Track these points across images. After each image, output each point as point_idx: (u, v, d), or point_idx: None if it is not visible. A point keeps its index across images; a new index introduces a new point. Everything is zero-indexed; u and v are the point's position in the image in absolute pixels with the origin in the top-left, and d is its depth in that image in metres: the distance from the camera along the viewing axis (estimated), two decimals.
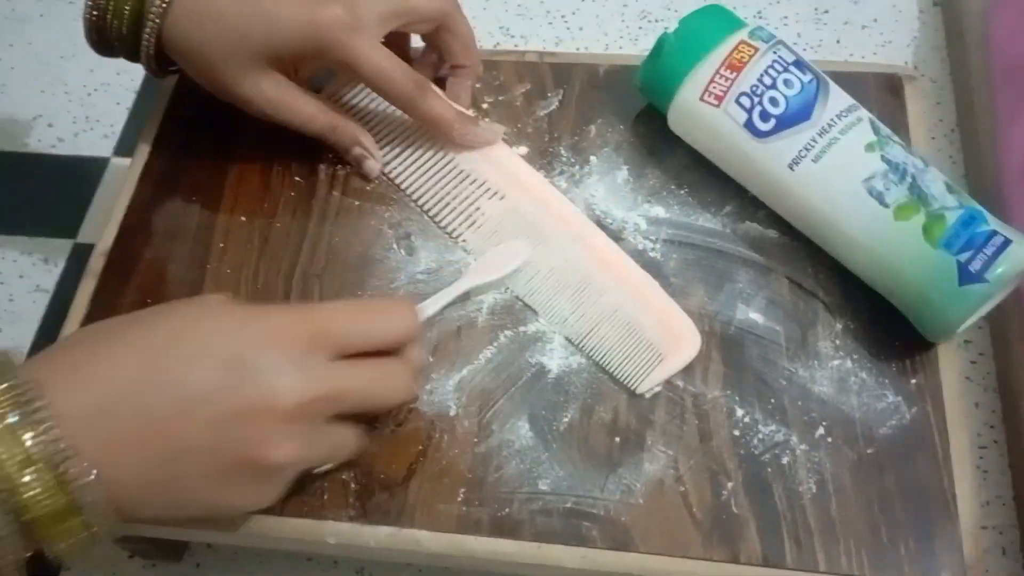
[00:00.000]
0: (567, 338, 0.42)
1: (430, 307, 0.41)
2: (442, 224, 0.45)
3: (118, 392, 0.30)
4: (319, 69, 0.48)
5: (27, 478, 0.28)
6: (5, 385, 0.29)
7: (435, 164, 0.47)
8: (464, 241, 0.45)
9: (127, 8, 0.42)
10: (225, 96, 0.44)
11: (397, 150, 0.47)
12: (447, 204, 0.46)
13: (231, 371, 0.31)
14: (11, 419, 0.28)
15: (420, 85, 0.43)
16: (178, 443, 0.31)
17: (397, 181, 0.47)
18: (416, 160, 0.47)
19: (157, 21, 0.42)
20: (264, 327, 0.32)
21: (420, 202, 0.46)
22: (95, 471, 0.29)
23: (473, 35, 0.47)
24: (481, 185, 0.46)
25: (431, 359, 0.41)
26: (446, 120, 0.45)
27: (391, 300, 0.38)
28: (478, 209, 0.45)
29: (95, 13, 0.43)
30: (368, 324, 0.35)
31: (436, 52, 0.49)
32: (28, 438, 0.28)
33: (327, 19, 0.41)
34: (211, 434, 0.31)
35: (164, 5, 0.41)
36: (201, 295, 0.34)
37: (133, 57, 0.45)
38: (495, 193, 0.45)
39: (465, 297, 0.43)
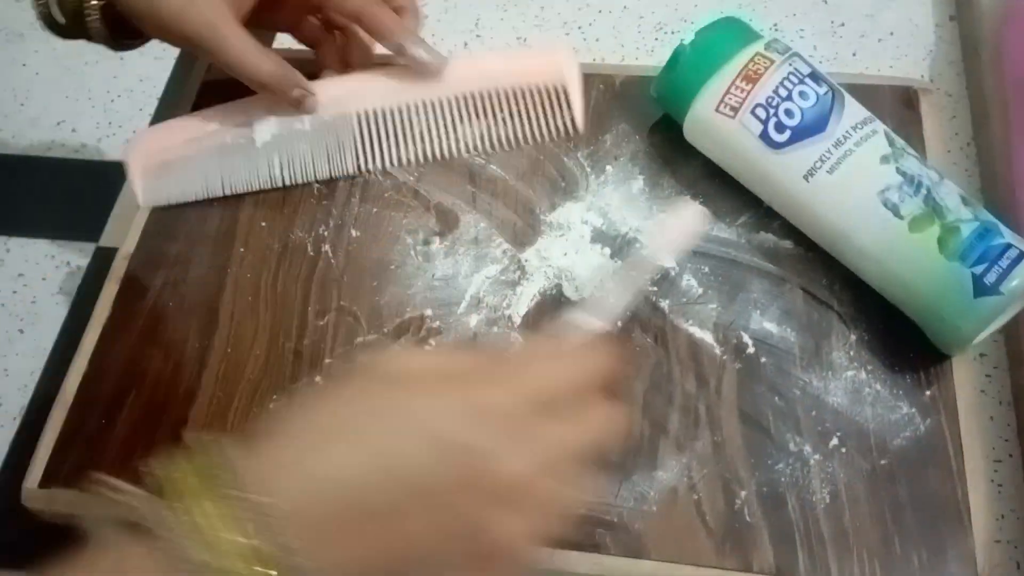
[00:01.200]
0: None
1: (616, 307, 0.35)
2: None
3: (339, 488, 0.27)
4: None
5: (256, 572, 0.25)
6: (227, 479, 0.26)
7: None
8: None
9: None
10: (169, 32, 0.43)
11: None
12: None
13: (445, 451, 0.27)
14: (237, 515, 0.26)
15: None
16: (405, 534, 0.27)
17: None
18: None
19: None
20: (464, 398, 0.28)
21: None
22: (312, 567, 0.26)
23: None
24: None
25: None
26: (399, 26, 0.45)
27: (578, 347, 0.32)
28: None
29: None
30: (565, 376, 0.30)
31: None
32: (255, 536, 0.25)
33: None
34: (434, 517, 0.27)
35: None
36: (389, 356, 0.30)
37: (76, 21, 0.44)
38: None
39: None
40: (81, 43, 0.50)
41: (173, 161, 0.48)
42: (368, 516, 0.27)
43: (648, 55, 0.78)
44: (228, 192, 0.48)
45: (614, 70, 0.52)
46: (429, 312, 0.44)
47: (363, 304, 0.44)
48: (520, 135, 0.48)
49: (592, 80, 0.51)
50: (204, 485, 0.26)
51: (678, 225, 0.37)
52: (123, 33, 0.45)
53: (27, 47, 0.81)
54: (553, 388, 0.30)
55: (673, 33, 0.80)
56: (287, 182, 0.48)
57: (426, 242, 0.46)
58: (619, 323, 0.40)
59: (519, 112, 0.48)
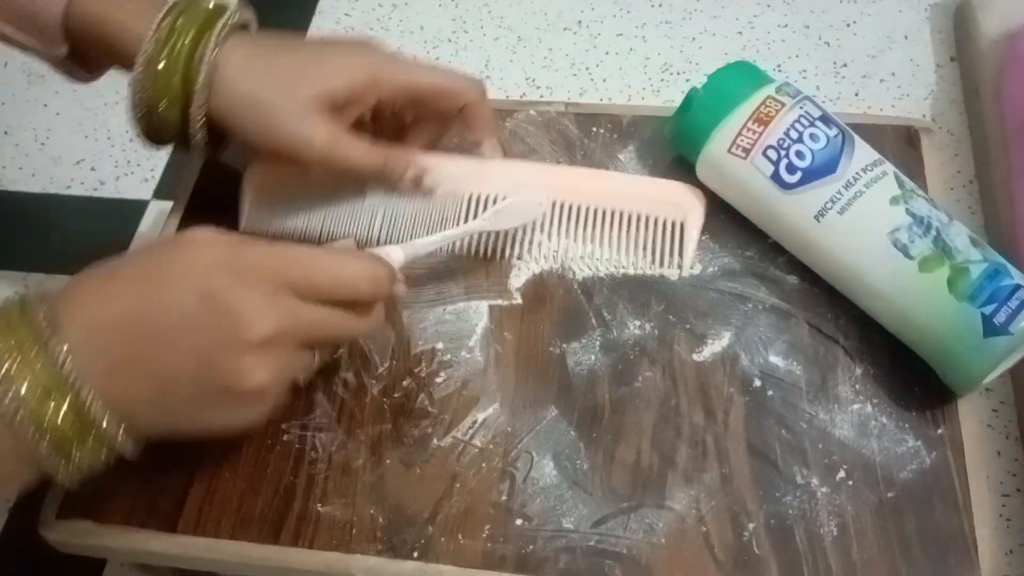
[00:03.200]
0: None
1: (424, 245, 0.42)
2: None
3: (115, 323, 0.33)
4: None
5: (47, 403, 0.32)
6: (27, 321, 0.32)
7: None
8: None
9: (176, 83, 0.43)
10: (280, 145, 0.44)
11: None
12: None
13: (207, 306, 0.33)
14: (31, 352, 0.32)
15: (482, 86, 0.46)
16: (165, 371, 0.34)
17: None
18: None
19: (206, 80, 0.43)
20: (240, 265, 0.34)
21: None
22: (98, 393, 0.32)
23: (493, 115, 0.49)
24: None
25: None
26: (492, 124, 0.48)
27: (367, 259, 0.38)
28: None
29: (140, 95, 0.44)
30: (338, 275, 0.37)
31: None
32: (45, 368, 0.32)
33: (375, 54, 0.45)
34: (192, 364, 0.33)
35: (210, 66, 0.42)
36: (189, 230, 0.36)
37: (182, 139, 0.46)
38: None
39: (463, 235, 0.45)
40: (99, 85, 0.51)
41: (284, 194, 0.49)
42: (138, 351, 0.33)
43: (654, 95, 0.80)
44: (325, 237, 0.49)
45: (621, 110, 0.53)
46: (440, 345, 0.44)
47: (374, 337, 0.45)
48: (624, 258, 0.46)
49: (599, 119, 0.52)
50: (27, 337, 0.32)
51: (519, 206, 0.45)
52: (221, 144, 0.48)
53: (48, 88, 0.83)
54: (318, 283, 0.36)
55: (679, 74, 0.81)
56: (382, 241, 0.48)
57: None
58: (408, 260, 0.42)
59: (630, 237, 0.46)
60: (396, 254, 0.41)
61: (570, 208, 0.47)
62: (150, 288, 0.34)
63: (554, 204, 0.47)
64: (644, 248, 0.46)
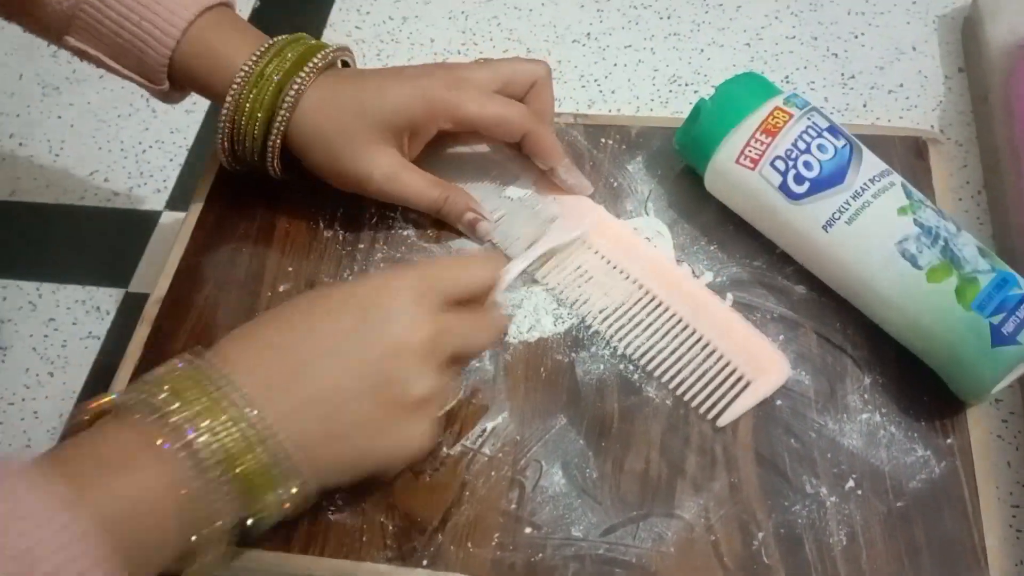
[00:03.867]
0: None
1: (516, 266, 0.45)
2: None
3: (282, 366, 0.35)
4: None
5: (229, 443, 0.33)
6: (202, 374, 0.34)
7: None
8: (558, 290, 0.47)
9: (259, 113, 0.46)
10: (344, 178, 0.47)
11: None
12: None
13: (365, 325, 0.36)
14: (212, 399, 0.33)
15: (537, 116, 0.47)
16: (338, 396, 0.35)
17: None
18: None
19: (287, 115, 0.46)
20: (378, 285, 0.37)
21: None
22: (278, 432, 0.33)
23: (553, 103, 0.50)
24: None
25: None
26: (558, 150, 0.48)
27: (477, 253, 0.44)
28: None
29: (227, 125, 0.47)
30: (459, 274, 0.39)
31: None
32: (228, 412, 0.33)
33: (435, 82, 0.46)
34: (362, 382, 0.35)
35: (293, 100, 0.45)
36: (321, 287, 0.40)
37: (259, 160, 0.48)
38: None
39: (547, 257, 0.47)
40: (113, 96, 0.52)
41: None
42: (306, 382, 0.35)
43: (663, 107, 0.80)
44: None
45: (630, 121, 0.53)
46: None
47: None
48: (673, 372, 0.43)
49: (608, 131, 0.53)
50: (202, 391, 0.33)
51: (573, 210, 0.47)
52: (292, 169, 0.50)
53: (62, 100, 0.84)
54: (449, 282, 0.38)
55: (687, 86, 0.82)
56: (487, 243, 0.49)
57: None
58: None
59: (697, 368, 0.43)
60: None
61: (653, 300, 0.45)
62: (306, 326, 0.36)
63: (643, 289, 0.45)
64: (696, 376, 0.43)
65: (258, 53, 0.46)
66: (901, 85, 0.78)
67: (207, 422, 0.32)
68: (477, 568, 0.38)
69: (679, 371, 0.43)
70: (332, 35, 0.88)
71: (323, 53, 0.47)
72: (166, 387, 0.33)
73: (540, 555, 0.38)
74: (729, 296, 0.45)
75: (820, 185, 0.43)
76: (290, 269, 0.49)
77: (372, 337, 0.36)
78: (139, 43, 0.46)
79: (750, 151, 0.44)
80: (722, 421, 0.41)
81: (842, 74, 0.80)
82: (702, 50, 0.84)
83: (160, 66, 0.47)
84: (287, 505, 0.35)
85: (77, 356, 0.68)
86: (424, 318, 0.36)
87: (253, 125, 0.46)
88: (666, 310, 0.45)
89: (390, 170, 0.46)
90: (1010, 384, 0.41)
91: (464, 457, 0.41)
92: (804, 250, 0.45)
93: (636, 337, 0.44)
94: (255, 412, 0.33)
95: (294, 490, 0.34)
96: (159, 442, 0.32)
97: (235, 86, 0.46)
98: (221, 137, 0.48)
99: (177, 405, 0.33)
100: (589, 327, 0.45)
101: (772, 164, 0.44)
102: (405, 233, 0.50)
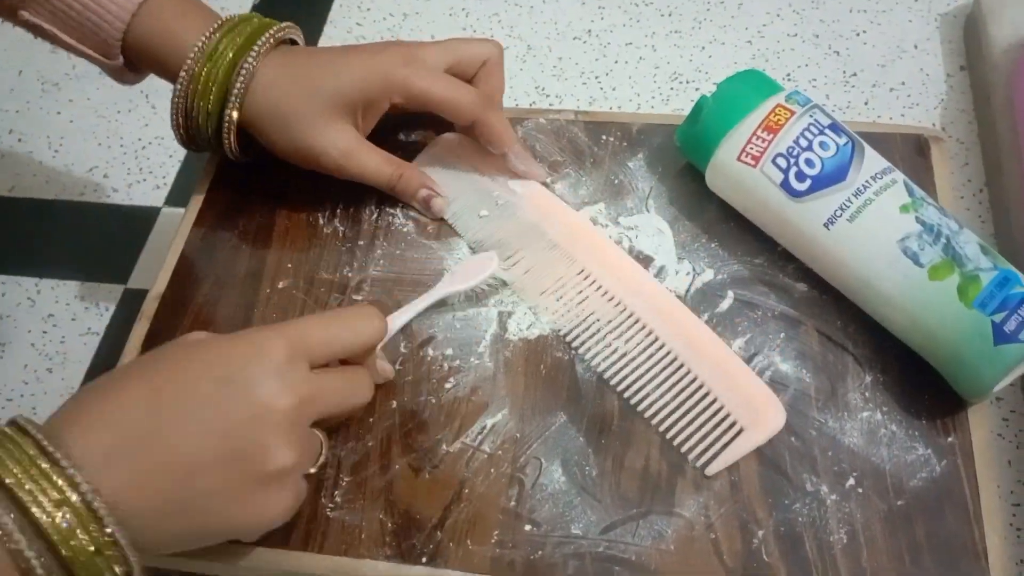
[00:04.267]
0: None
1: (400, 317, 0.43)
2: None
3: (128, 429, 0.32)
4: None
5: (61, 520, 0.30)
6: (30, 442, 0.31)
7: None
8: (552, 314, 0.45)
9: (213, 88, 0.46)
10: (301, 155, 0.47)
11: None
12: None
13: (227, 389, 0.33)
14: (39, 470, 0.30)
15: (487, 101, 0.47)
16: (190, 465, 0.33)
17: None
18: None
19: (242, 89, 0.46)
20: (247, 346, 0.35)
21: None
22: (112, 509, 0.31)
23: (503, 85, 0.50)
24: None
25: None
26: (508, 137, 0.48)
27: (358, 308, 0.40)
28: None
29: (180, 101, 0.47)
30: (338, 333, 0.38)
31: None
32: (56, 486, 0.30)
33: (388, 58, 0.46)
34: (217, 451, 0.33)
35: (248, 75, 0.45)
36: (183, 335, 0.37)
37: (214, 141, 0.48)
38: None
39: (439, 305, 0.45)
40: (113, 93, 0.52)
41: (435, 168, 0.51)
42: (155, 447, 0.32)
43: (664, 104, 0.80)
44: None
45: (631, 118, 0.53)
46: (450, 351, 0.45)
47: (385, 344, 0.45)
48: (658, 410, 0.42)
49: (609, 127, 0.53)
50: (27, 464, 0.30)
51: (472, 265, 0.45)
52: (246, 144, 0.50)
53: (62, 96, 0.84)
54: (322, 344, 0.37)
55: (688, 83, 0.82)
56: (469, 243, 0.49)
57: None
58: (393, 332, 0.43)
59: (689, 410, 0.41)
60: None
61: (649, 334, 0.43)
62: (163, 388, 0.33)
63: (635, 319, 0.44)
64: (687, 419, 0.41)
65: (211, 29, 0.46)
66: (903, 83, 0.78)
67: (30, 502, 0.29)
68: (476, 566, 0.38)
69: (669, 412, 0.41)
70: (332, 31, 0.88)
71: (274, 29, 0.47)
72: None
73: (540, 552, 0.38)
74: (730, 294, 0.45)
75: (822, 182, 0.43)
76: (289, 265, 0.49)
77: (233, 403, 0.33)
78: (94, 17, 0.46)
79: (752, 148, 0.44)
80: (710, 470, 0.40)
81: (844, 72, 0.80)
82: (703, 47, 0.84)
83: (114, 40, 0.47)
84: None
85: (76, 352, 0.68)
86: (292, 384, 0.34)
87: (207, 102, 0.46)
88: (661, 346, 0.43)
89: (346, 147, 0.47)
90: (1011, 383, 0.41)
91: (464, 454, 0.41)
92: (805, 248, 0.45)
93: (627, 372, 0.42)
94: (89, 488, 0.30)
95: (122, 570, 0.31)
96: None
97: (188, 61, 0.46)
98: (175, 113, 0.48)
99: (5, 474, 0.30)
100: (581, 355, 0.44)
101: (774, 161, 0.43)
102: (405, 229, 0.50)
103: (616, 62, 0.84)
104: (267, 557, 0.39)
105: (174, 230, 0.51)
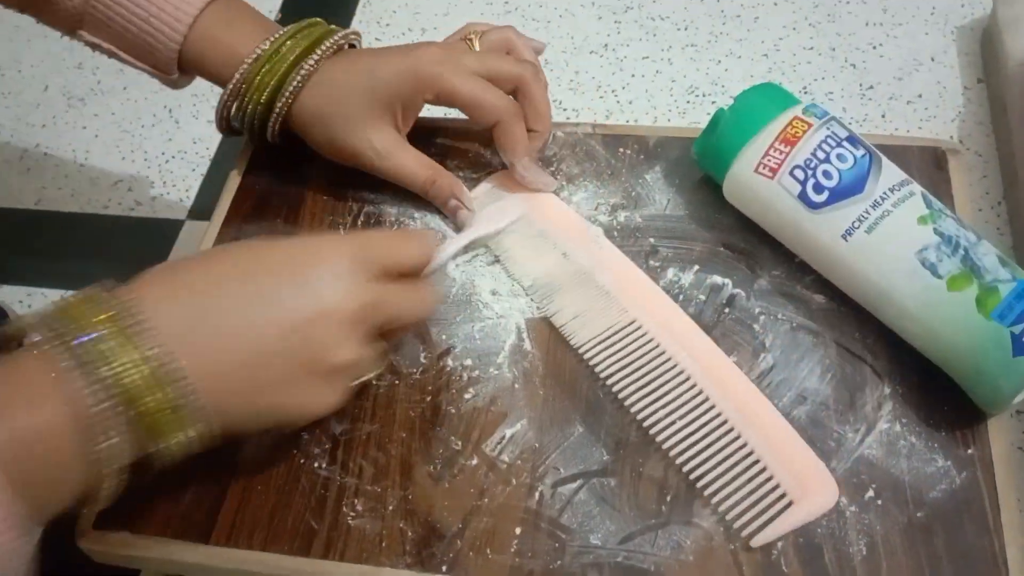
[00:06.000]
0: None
1: (450, 247, 0.47)
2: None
3: (211, 306, 0.35)
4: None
5: (140, 378, 0.32)
6: (114, 304, 0.33)
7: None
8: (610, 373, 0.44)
9: (267, 90, 0.48)
10: (342, 153, 0.49)
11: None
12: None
13: (299, 284, 0.36)
14: (122, 330, 0.33)
15: (513, 110, 0.48)
16: (258, 348, 0.35)
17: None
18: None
19: (300, 86, 0.48)
20: (318, 247, 0.38)
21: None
22: (190, 372, 0.33)
23: (548, 104, 0.50)
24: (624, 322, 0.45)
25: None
26: (523, 146, 0.48)
27: (413, 230, 0.45)
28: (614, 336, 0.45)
29: (231, 97, 0.49)
30: (397, 247, 0.40)
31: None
32: (137, 347, 0.33)
33: (422, 56, 0.47)
34: (284, 341, 0.36)
35: (306, 75, 0.47)
36: (256, 238, 0.39)
37: (252, 129, 0.51)
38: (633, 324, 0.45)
39: (469, 247, 0.48)
40: (137, 108, 0.54)
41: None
42: (229, 328, 0.35)
43: (680, 117, 0.81)
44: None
45: (647, 131, 0.54)
46: (469, 362, 0.45)
47: (405, 353, 0.46)
48: (708, 488, 0.40)
49: (626, 140, 0.53)
50: (113, 323, 0.33)
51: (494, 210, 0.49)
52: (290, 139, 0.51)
53: (88, 111, 0.86)
54: (384, 255, 0.39)
55: (704, 96, 0.82)
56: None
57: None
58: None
59: (738, 478, 0.40)
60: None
61: (703, 399, 0.42)
62: (240, 276, 0.36)
63: (686, 377, 0.42)
64: (735, 487, 0.39)
65: (275, 37, 0.48)
66: (920, 96, 0.78)
67: (116, 356, 0.32)
68: (496, 575, 0.38)
69: (717, 478, 0.40)
70: None
71: (334, 38, 0.49)
72: (78, 317, 0.33)
73: (559, 562, 0.39)
74: (748, 306, 0.45)
75: (839, 194, 0.43)
76: None
77: (303, 298, 0.36)
78: (148, 37, 0.48)
79: (769, 160, 0.44)
80: (756, 542, 0.38)
81: (860, 84, 0.80)
82: (719, 61, 0.84)
83: (170, 58, 0.49)
84: (189, 445, 0.35)
85: None
86: (358, 286, 0.37)
87: (260, 94, 0.48)
88: (712, 407, 0.41)
89: (383, 147, 0.48)
90: None
91: (483, 464, 0.42)
92: (823, 259, 0.45)
93: (677, 435, 0.41)
94: (166, 350, 0.33)
95: (194, 433, 0.34)
96: (62, 371, 0.32)
97: (246, 64, 0.48)
98: (222, 105, 0.50)
99: (88, 338, 0.32)
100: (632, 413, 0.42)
101: (791, 173, 0.44)
102: None
103: (633, 76, 0.84)
104: (288, 565, 0.40)
105: (197, 242, 0.52)
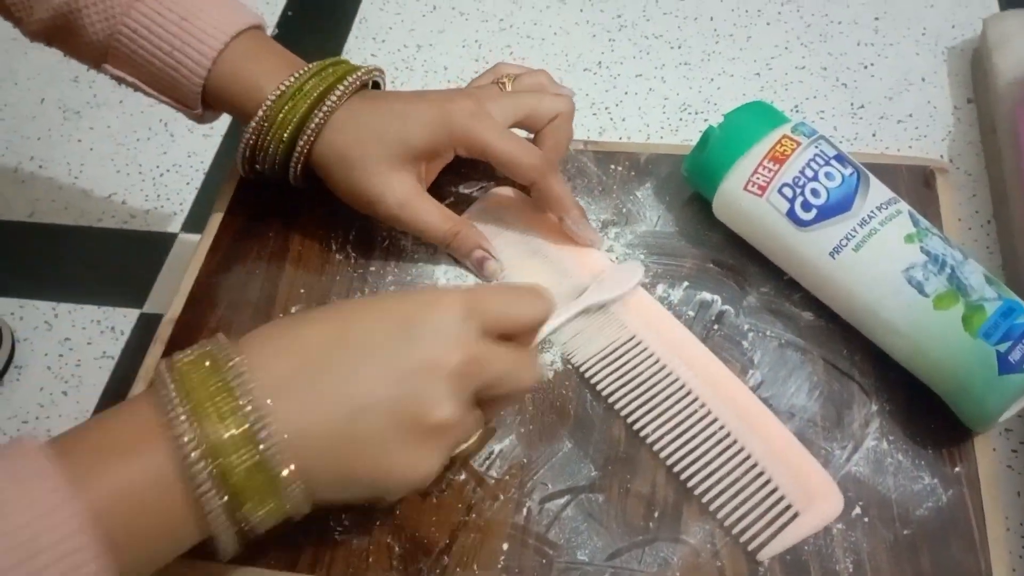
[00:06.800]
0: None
1: (560, 316, 0.44)
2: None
3: (307, 360, 0.34)
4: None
5: (229, 440, 0.31)
6: (217, 364, 0.33)
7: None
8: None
9: (290, 128, 0.46)
10: (359, 199, 0.47)
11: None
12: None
13: (404, 337, 0.34)
14: (219, 392, 0.32)
15: (548, 164, 0.46)
16: (360, 403, 0.33)
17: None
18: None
19: (322, 123, 0.46)
20: (426, 302, 0.35)
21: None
22: (281, 431, 0.32)
23: (571, 135, 0.50)
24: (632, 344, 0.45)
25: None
26: (566, 202, 0.47)
27: (530, 286, 0.40)
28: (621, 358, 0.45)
29: (253, 136, 0.48)
30: (512, 304, 0.37)
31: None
32: (231, 407, 0.31)
33: (456, 108, 0.46)
34: (388, 393, 0.33)
35: (327, 113, 0.46)
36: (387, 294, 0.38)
37: (276, 172, 0.49)
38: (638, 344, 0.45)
39: (586, 311, 0.46)
40: (133, 121, 0.54)
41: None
42: (330, 377, 0.33)
43: (673, 134, 0.81)
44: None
45: (639, 148, 0.54)
46: None
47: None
48: (712, 502, 0.40)
49: (617, 157, 0.53)
50: (216, 381, 0.32)
51: (619, 274, 0.46)
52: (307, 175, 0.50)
53: (83, 124, 0.86)
54: (500, 312, 0.36)
55: (697, 114, 0.83)
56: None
57: None
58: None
59: (742, 490, 0.40)
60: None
61: (702, 407, 0.42)
62: (343, 326, 0.35)
63: (687, 391, 0.43)
64: (739, 499, 0.39)
65: (299, 73, 0.47)
66: (910, 115, 0.79)
67: (211, 417, 0.31)
68: None
69: (721, 491, 0.40)
70: None
71: (357, 75, 0.48)
72: (183, 372, 0.32)
73: None
74: (737, 322, 0.46)
75: (827, 212, 0.43)
76: (302, 291, 0.49)
77: (408, 349, 0.34)
78: (171, 71, 0.48)
79: (758, 178, 0.45)
80: (763, 555, 0.38)
81: (851, 104, 0.81)
82: (712, 79, 0.85)
83: (194, 92, 0.48)
84: (277, 512, 0.33)
85: (91, 376, 0.69)
86: (466, 340, 0.34)
87: (283, 131, 0.47)
88: (714, 420, 0.42)
89: (404, 196, 0.46)
90: (1019, 414, 0.41)
91: (471, 479, 0.42)
92: (811, 277, 0.45)
93: (678, 447, 0.41)
94: (263, 415, 0.32)
95: (280, 502, 0.33)
96: (160, 429, 0.31)
97: (269, 101, 0.46)
98: (245, 144, 0.48)
99: (186, 393, 0.32)
100: (634, 428, 0.42)
101: (780, 191, 0.44)
102: (416, 256, 0.50)
103: (626, 93, 0.85)
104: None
105: (190, 255, 0.52)
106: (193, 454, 0.31)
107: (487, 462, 0.42)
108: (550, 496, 0.41)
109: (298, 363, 0.33)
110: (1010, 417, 0.41)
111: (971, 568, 0.38)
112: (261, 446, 0.31)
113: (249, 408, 0.32)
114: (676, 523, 0.40)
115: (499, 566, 0.39)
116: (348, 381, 0.33)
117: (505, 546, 0.39)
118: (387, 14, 0.93)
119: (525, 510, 0.40)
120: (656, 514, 0.40)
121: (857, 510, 0.39)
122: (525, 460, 0.42)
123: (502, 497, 0.41)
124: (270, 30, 0.94)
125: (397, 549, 0.40)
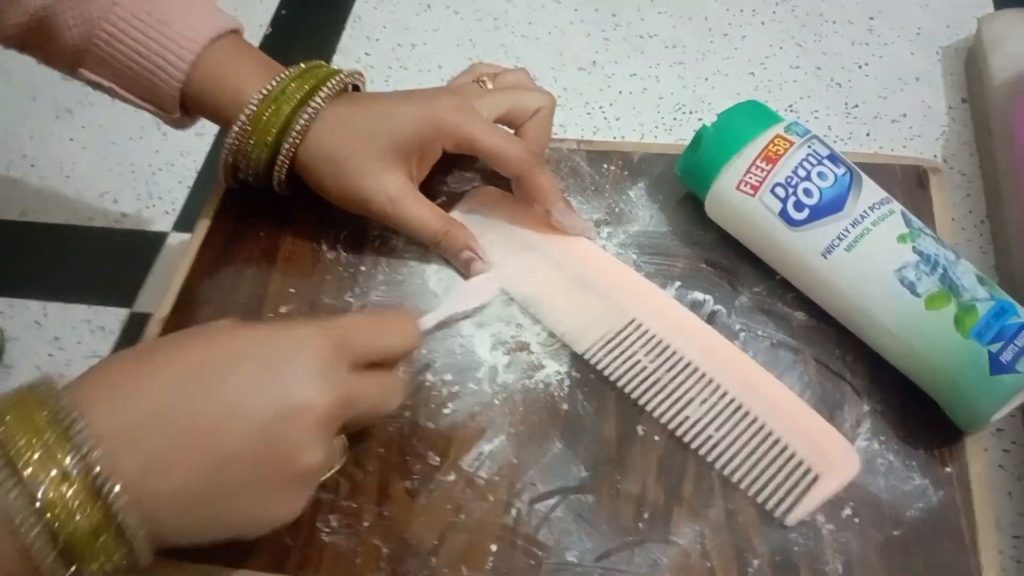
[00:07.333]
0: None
1: (429, 320, 0.44)
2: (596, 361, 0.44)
3: (161, 406, 0.31)
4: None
5: (63, 496, 0.28)
6: (47, 408, 0.29)
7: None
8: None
9: (274, 130, 0.46)
10: (350, 199, 0.47)
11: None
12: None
13: (269, 378, 0.32)
14: (50, 440, 0.29)
15: (533, 158, 0.46)
16: (223, 451, 0.31)
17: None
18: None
19: (305, 128, 0.46)
20: (293, 337, 0.34)
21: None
22: (127, 489, 0.29)
23: (551, 130, 0.50)
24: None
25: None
26: (552, 194, 0.47)
27: (399, 314, 0.40)
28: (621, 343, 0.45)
29: (236, 141, 0.47)
30: (380, 336, 0.37)
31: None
32: (66, 458, 0.29)
33: (442, 105, 0.46)
34: (254, 440, 0.32)
35: (310, 118, 0.46)
36: (210, 322, 0.35)
37: (260, 178, 0.49)
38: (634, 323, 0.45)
39: (461, 316, 0.46)
40: (125, 120, 0.53)
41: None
42: (190, 428, 0.31)
43: (667, 134, 0.81)
44: None
45: (632, 147, 0.54)
46: (449, 377, 0.45)
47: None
48: (734, 473, 0.40)
49: (610, 156, 0.53)
50: (42, 429, 0.29)
51: (472, 289, 0.47)
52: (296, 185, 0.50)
53: (75, 122, 0.86)
54: (366, 345, 0.36)
55: (691, 113, 0.82)
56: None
57: None
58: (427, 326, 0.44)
59: (760, 459, 0.40)
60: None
61: (709, 382, 0.42)
62: (202, 368, 0.32)
63: (694, 368, 0.43)
64: (759, 468, 0.40)
65: (280, 76, 0.47)
66: (904, 115, 0.79)
67: (40, 468, 0.28)
68: None
69: (742, 463, 0.40)
70: (342, 60, 0.90)
71: (339, 77, 0.48)
72: (6, 417, 0.29)
73: None
74: (729, 322, 0.45)
75: (820, 212, 0.43)
76: (292, 291, 0.49)
77: (275, 395, 0.32)
78: (149, 75, 0.47)
79: (751, 178, 0.45)
80: (790, 520, 0.39)
81: (846, 103, 0.80)
82: (707, 79, 0.84)
83: (172, 97, 0.48)
84: (116, 569, 0.30)
85: None
86: (334, 383, 0.33)
87: (265, 137, 0.46)
88: (724, 394, 0.42)
89: (395, 194, 0.46)
90: (1011, 414, 0.41)
91: (460, 480, 0.41)
92: (803, 277, 0.45)
93: (697, 427, 0.41)
94: (100, 466, 0.29)
95: (121, 559, 0.30)
96: None
97: (251, 105, 0.46)
98: (227, 152, 0.48)
99: (11, 443, 0.28)
100: (648, 412, 0.42)
101: (772, 191, 0.44)
102: (407, 256, 0.50)
103: (620, 92, 0.84)
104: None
105: (180, 255, 0.51)
106: (28, 513, 0.28)
107: (477, 463, 0.42)
108: (540, 497, 0.41)
109: (147, 410, 0.31)
110: (1002, 417, 0.40)
111: (962, 569, 0.37)
112: (93, 508, 0.29)
113: (92, 465, 0.29)
114: (666, 524, 0.39)
115: (488, 567, 0.39)
116: (209, 429, 0.31)
117: (494, 547, 0.39)
118: (381, 12, 0.93)
119: (514, 511, 0.40)
120: (646, 515, 0.40)
121: (848, 510, 0.39)
122: (515, 460, 0.42)
123: (491, 498, 0.41)
124: (264, 28, 0.94)
125: (385, 550, 0.40)
